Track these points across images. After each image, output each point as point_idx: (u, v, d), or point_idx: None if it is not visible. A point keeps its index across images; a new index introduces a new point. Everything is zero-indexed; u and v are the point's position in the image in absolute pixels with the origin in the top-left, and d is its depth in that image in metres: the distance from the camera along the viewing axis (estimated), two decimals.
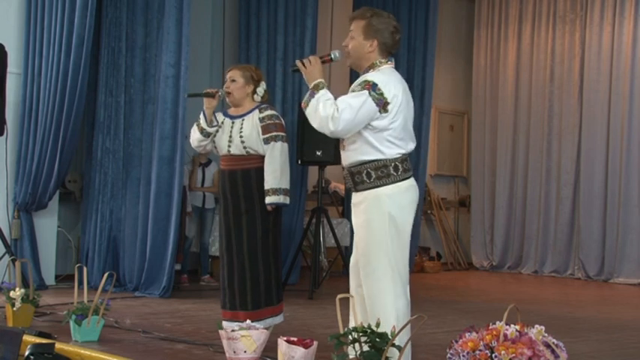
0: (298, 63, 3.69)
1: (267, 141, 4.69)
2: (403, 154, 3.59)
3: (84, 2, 6.81)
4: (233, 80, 4.84)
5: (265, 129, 4.71)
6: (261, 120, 4.73)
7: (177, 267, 7.68)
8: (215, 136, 4.82)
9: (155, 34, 7.22)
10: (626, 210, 9.75)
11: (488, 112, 11.28)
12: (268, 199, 4.67)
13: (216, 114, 4.83)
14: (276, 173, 4.69)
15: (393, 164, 3.56)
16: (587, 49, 10.27)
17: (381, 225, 3.54)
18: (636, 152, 9.74)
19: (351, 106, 3.46)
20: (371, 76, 3.56)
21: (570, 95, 10.41)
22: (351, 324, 3.48)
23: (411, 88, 10.49)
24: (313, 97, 3.55)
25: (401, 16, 9.40)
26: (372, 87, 3.49)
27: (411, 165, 3.67)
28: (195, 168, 8.17)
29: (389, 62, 3.68)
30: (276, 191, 4.69)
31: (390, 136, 3.55)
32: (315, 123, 3.56)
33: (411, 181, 3.63)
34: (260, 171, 4.75)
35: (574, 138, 10.35)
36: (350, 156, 3.62)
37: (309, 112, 3.57)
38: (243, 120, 4.79)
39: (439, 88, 10.77)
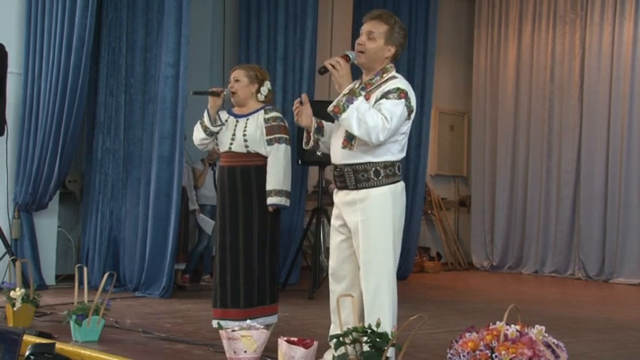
0: (328, 65, 3.62)
1: (270, 142, 4.72)
2: (402, 158, 3.76)
3: (84, 3, 6.81)
4: (237, 80, 4.87)
5: (269, 130, 4.75)
6: (266, 121, 4.77)
7: (181, 267, 7.67)
8: (218, 133, 4.84)
9: (155, 34, 7.22)
10: (626, 210, 9.75)
11: (489, 112, 11.28)
12: (270, 200, 4.69)
13: (221, 112, 4.86)
14: (279, 175, 4.71)
15: (397, 165, 3.70)
16: (587, 49, 10.27)
17: (390, 222, 3.62)
18: (636, 152, 9.74)
19: (396, 114, 3.55)
20: (401, 84, 3.63)
21: (570, 95, 10.41)
22: (336, 326, 3.54)
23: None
24: (352, 102, 3.51)
25: (401, 16, 9.37)
26: (405, 96, 3.59)
27: None
28: (206, 168, 8.17)
29: None
30: (278, 192, 4.71)
31: (403, 141, 3.70)
32: (358, 131, 3.51)
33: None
34: (259, 169, 4.76)
35: (574, 138, 10.34)
36: (357, 155, 3.64)
37: (348, 117, 3.51)
38: (247, 119, 4.82)
39: (439, 88, 10.76)
